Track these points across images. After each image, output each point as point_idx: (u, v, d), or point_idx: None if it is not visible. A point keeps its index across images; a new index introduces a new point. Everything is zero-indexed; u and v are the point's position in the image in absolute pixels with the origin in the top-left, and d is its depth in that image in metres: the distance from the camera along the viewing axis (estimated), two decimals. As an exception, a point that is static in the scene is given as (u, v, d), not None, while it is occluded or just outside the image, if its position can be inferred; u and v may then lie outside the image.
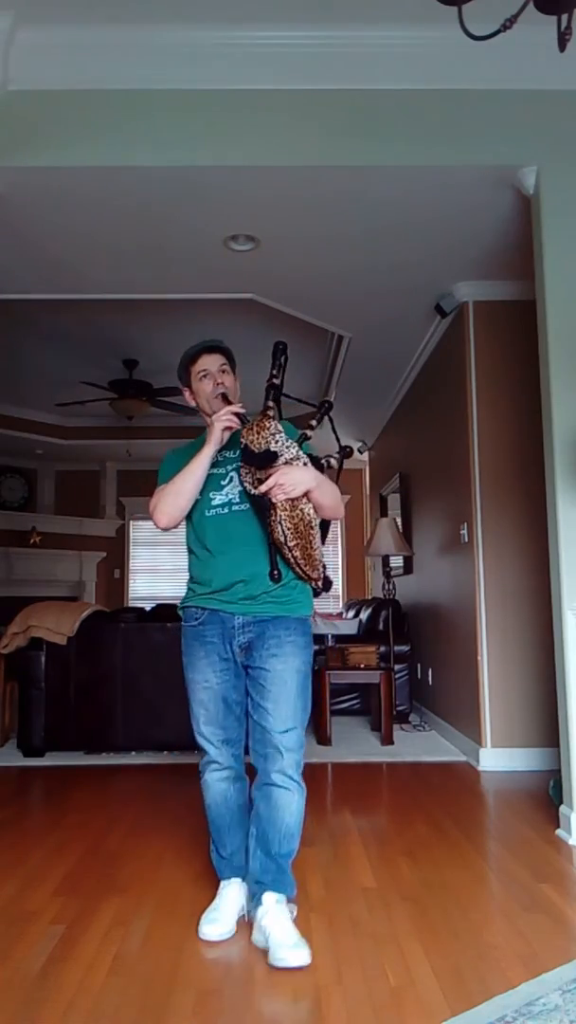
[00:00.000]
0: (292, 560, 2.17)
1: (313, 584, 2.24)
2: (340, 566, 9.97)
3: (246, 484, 2.17)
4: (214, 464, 2.27)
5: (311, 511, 2.18)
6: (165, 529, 2.28)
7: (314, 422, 2.31)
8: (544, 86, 3.26)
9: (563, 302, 3.21)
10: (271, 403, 2.23)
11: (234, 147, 3.24)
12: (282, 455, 2.12)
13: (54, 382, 7.27)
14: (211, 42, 3.15)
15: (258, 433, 2.12)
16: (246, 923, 2.21)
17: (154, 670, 4.59)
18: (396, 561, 6.66)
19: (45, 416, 8.43)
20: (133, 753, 4.58)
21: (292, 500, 2.12)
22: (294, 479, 2.09)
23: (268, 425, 2.13)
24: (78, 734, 4.61)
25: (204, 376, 2.34)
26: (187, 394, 2.43)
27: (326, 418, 2.39)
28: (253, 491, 2.15)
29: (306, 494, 2.15)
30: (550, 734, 4.09)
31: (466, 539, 4.55)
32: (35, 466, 9.66)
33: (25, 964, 2.02)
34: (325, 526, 2.28)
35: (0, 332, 5.97)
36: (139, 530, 10.03)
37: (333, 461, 2.28)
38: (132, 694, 4.61)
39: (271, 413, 2.19)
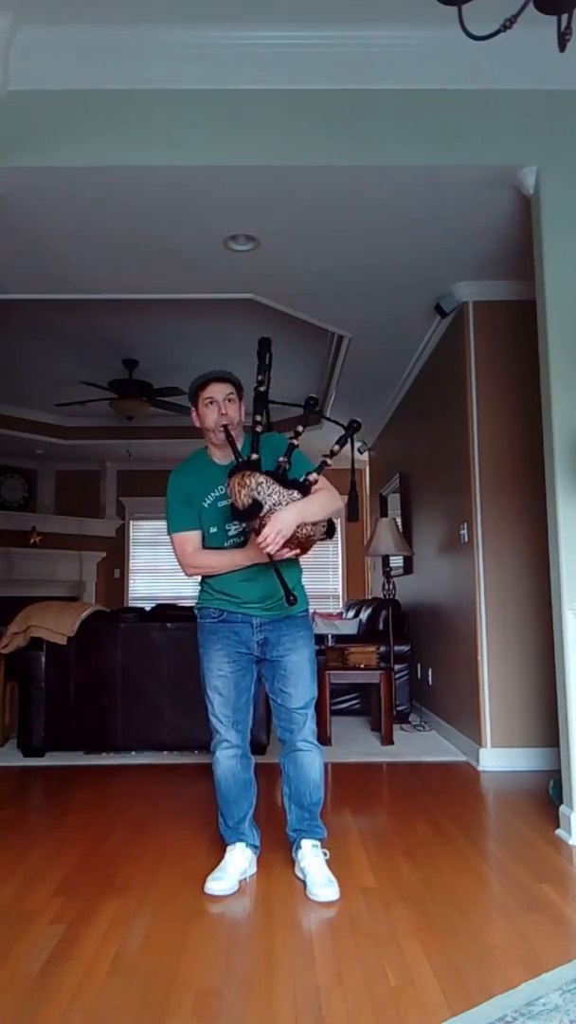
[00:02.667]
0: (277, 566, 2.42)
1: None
2: (340, 566, 9.97)
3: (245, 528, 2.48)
4: (224, 496, 2.55)
5: (309, 528, 2.43)
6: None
7: (336, 447, 2.51)
8: (544, 86, 3.26)
9: (563, 302, 3.21)
10: (259, 418, 2.47)
11: (234, 147, 3.24)
12: (265, 503, 2.32)
13: (54, 382, 7.27)
14: (211, 42, 3.15)
15: (239, 490, 2.33)
16: (249, 883, 2.55)
17: (154, 670, 4.59)
18: (396, 561, 6.66)
19: (45, 416, 8.43)
20: (133, 753, 4.58)
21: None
22: (280, 524, 2.32)
23: (248, 482, 2.33)
24: (78, 734, 4.61)
25: (210, 403, 2.59)
26: (193, 414, 2.68)
27: (312, 417, 2.63)
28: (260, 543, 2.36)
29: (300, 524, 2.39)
30: (550, 734, 4.09)
31: (466, 539, 4.55)
32: (35, 466, 9.66)
33: (25, 964, 2.02)
34: (330, 524, 2.60)
35: (0, 332, 5.97)
36: (139, 530, 10.03)
37: (329, 461, 2.49)
38: (132, 694, 4.61)
39: (254, 462, 2.40)
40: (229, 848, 2.64)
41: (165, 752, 4.56)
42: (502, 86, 3.26)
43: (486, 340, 4.52)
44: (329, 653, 5.20)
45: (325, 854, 2.60)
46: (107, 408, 7.26)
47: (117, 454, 9.14)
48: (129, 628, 4.73)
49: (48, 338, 6.19)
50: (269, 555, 2.37)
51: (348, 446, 2.57)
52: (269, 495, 2.33)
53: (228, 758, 2.63)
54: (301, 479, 2.45)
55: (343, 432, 2.54)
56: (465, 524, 4.57)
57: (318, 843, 2.62)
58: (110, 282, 4.40)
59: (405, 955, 2.05)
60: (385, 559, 6.33)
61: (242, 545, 2.57)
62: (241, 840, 2.65)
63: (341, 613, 7.64)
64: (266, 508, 2.32)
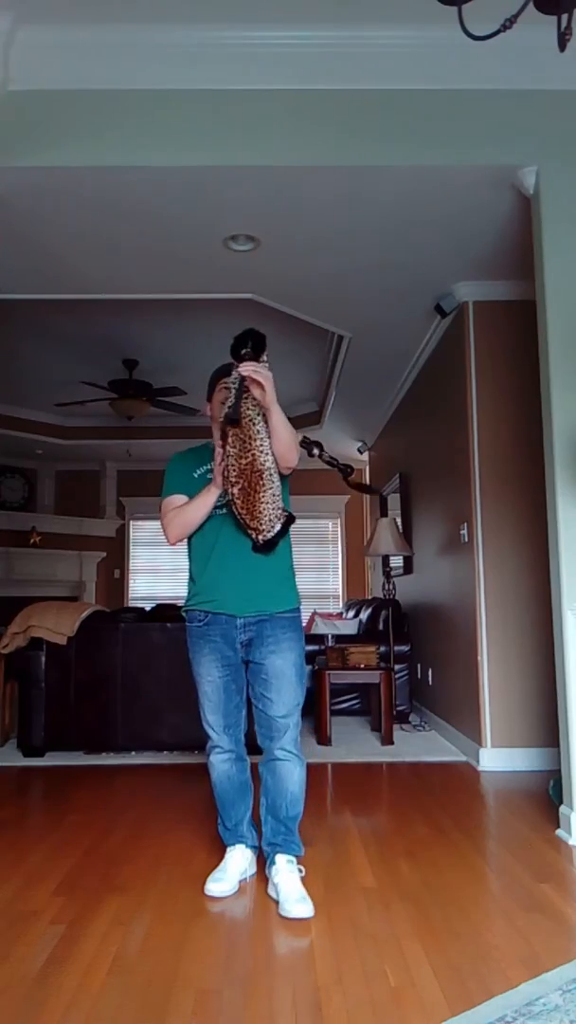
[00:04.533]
0: (233, 501, 2.38)
1: (253, 536, 2.41)
2: (340, 566, 9.97)
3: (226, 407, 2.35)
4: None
5: (266, 460, 2.36)
6: (174, 544, 2.65)
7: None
8: (544, 86, 3.26)
9: (563, 302, 3.21)
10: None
11: (234, 147, 3.24)
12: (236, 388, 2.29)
13: (54, 382, 7.27)
14: (211, 42, 3.15)
15: (225, 392, 2.35)
16: (249, 884, 2.53)
17: (154, 670, 4.60)
18: (396, 561, 6.66)
19: (45, 416, 8.43)
20: (133, 753, 4.58)
21: (244, 441, 2.34)
22: (268, 376, 2.27)
23: (226, 382, 2.35)
24: (78, 734, 4.61)
25: (223, 390, 2.51)
26: (207, 407, 2.63)
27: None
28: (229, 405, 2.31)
29: (260, 444, 2.34)
30: (550, 734, 4.09)
31: (466, 539, 4.55)
32: (35, 466, 9.66)
33: (25, 964, 2.02)
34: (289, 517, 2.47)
35: (0, 332, 5.97)
36: (139, 530, 10.03)
37: (316, 451, 2.45)
38: (132, 694, 4.61)
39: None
40: (229, 850, 2.63)
41: (165, 752, 4.56)
42: (502, 86, 3.26)
43: (486, 340, 4.52)
44: (329, 653, 5.20)
45: (300, 871, 2.47)
46: (107, 408, 7.26)
47: (117, 454, 9.14)
48: (129, 628, 4.73)
49: (48, 338, 6.19)
50: (232, 421, 2.30)
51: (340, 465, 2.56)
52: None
53: (222, 762, 2.60)
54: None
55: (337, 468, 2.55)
56: (465, 524, 4.57)
57: (294, 859, 2.49)
58: (110, 282, 4.40)
59: (405, 955, 2.05)
60: (385, 559, 6.33)
61: (224, 517, 2.49)
62: (240, 842, 2.64)
63: (341, 613, 7.64)
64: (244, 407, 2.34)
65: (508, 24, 1.94)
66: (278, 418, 2.35)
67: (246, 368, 2.27)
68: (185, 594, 2.64)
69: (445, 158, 3.27)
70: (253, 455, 2.35)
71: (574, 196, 3.25)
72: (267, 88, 3.25)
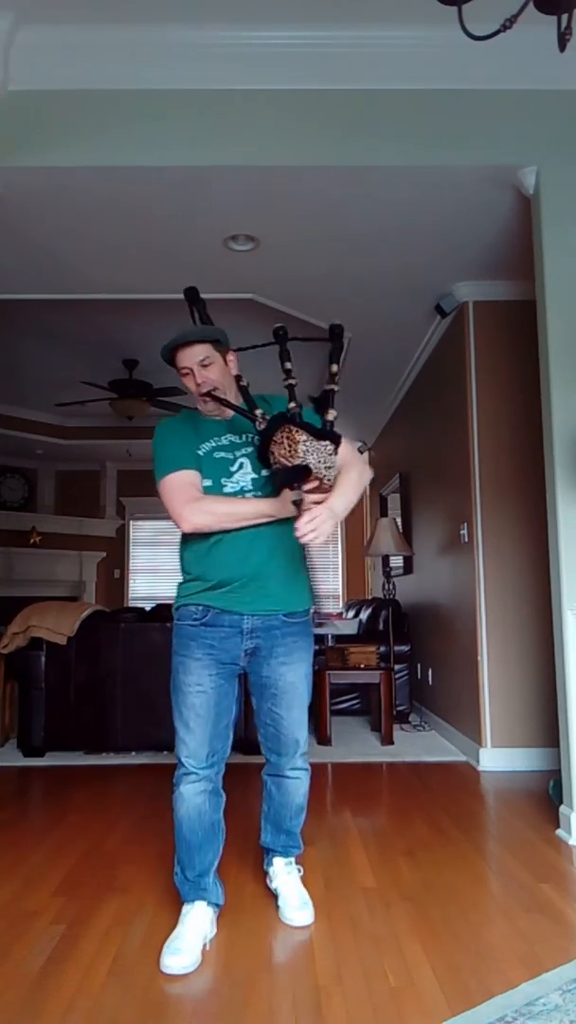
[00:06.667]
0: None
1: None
2: (340, 566, 9.97)
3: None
4: (221, 448, 2.21)
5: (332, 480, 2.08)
6: (186, 532, 2.18)
7: (334, 366, 2.19)
8: (544, 86, 3.26)
9: (563, 302, 3.21)
10: (293, 404, 2.08)
11: (234, 147, 3.24)
12: (315, 468, 1.97)
13: (54, 382, 7.26)
14: (211, 42, 3.15)
15: (291, 446, 1.97)
16: (208, 951, 2.08)
17: (154, 670, 4.59)
18: (396, 561, 6.66)
19: (45, 416, 8.42)
20: (133, 753, 4.58)
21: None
22: (327, 521, 1.98)
23: (298, 438, 1.97)
24: (78, 734, 4.61)
25: (186, 375, 2.22)
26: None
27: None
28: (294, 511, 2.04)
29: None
30: (550, 734, 4.09)
31: (466, 539, 4.55)
32: (35, 466, 9.66)
33: (25, 964, 2.02)
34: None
35: (0, 332, 5.97)
36: (139, 530, 10.03)
37: (336, 387, 2.19)
38: (132, 694, 4.61)
39: (295, 414, 2.05)
40: (186, 908, 2.14)
41: (165, 752, 4.56)
42: (502, 86, 3.26)
43: (486, 340, 4.52)
44: (329, 653, 5.20)
45: (299, 870, 2.42)
46: (107, 408, 7.26)
47: (117, 454, 9.13)
48: (129, 628, 4.73)
49: (48, 338, 6.18)
50: (297, 506, 1.99)
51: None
52: (308, 454, 1.97)
53: (195, 795, 2.13)
54: (320, 425, 2.06)
55: (330, 344, 2.20)
56: (465, 524, 4.57)
57: (292, 860, 2.43)
58: (110, 282, 4.40)
59: (405, 955, 2.05)
60: (385, 559, 6.33)
61: None
62: (202, 898, 2.15)
63: (341, 613, 7.64)
64: (319, 474, 1.98)
65: (508, 24, 1.94)
66: (353, 504, 2.14)
67: (304, 539, 1.97)
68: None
69: (445, 158, 3.27)
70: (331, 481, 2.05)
71: (574, 196, 3.25)
72: (267, 88, 3.25)
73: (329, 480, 2.03)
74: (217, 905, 2.21)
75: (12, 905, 2.42)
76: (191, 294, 2.37)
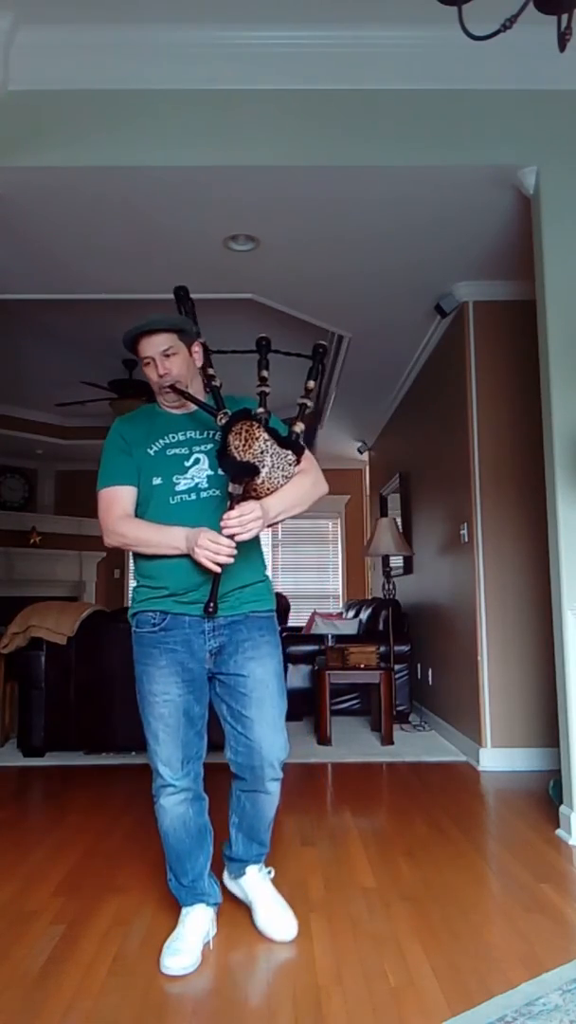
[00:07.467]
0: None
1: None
2: (340, 566, 9.97)
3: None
4: (176, 444, 2.14)
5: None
6: (109, 547, 2.19)
7: (310, 383, 2.15)
8: (544, 86, 3.26)
9: (563, 302, 3.21)
10: (211, 370, 2.13)
11: (234, 147, 3.24)
12: (262, 468, 1.98)
13: (54, 382, 7.27)
14: (211, 42, 3.15)
15: (249, 441, 1.97)
16: (208, 951, 2.09)
17: (154, 670, 4.58)
18: (396, 561, 6.66)
19: (45, 416, 8.43)
20: (133, 753, 4.57)
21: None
22: (258, 517, 1.96)
23: (257, 435, 1.97)
24: (78, 734, 4.61)
25: (147, 364, 2.14)
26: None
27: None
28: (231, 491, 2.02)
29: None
30: (550, 734, 4.09)
31: (466, 539, 4.55)
32: (35, 466, 9.66)
33: (25, 964, 2.02)
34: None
35: (0, 332, 5.97)
36: (139, 530, 10.02)
37: (309, 403, 2.13)
38: (132, 694, 4.56)
39: (259, 416, 2.04)
40: (185, 911, 2.14)
41: (165, 752, 4.56)
42: (502, 86, 3.26)
43: (486, 340, 4.52)
44: (329, 653, 5.20)
45: (270, 872, 2.30)
46: (107, 408, 7.26)
47: (117, 454, 9.12)
48: (129, 628, 4.72)
49: (48, 338, 6.19)
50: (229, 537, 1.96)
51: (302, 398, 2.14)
52: (265, 455, 1.99)
53: (176, 804, 2.09)
54: (286, 433, 2.07)
55: (310, 362, 2.16)
56: (465, 524, 4.57)
57: (262, 864, 2.30)
58: (110, 282, 4.40)
59: (405, 955, 2.05)
60: (385, 559, 6.33)
61: (193, 504, 2.09)
62: (200, 900, 2.14)
63: (341, 613, 7.64)
64: (261, 476, 1.98)
65: (508, 24, 1.94)
66: (295, 511, 2.09)
67: (229, 529, 1.95)
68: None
69: (445, 158, 3.27)
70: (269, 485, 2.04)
71: (574, 196, 3.25)
72: (267, 88, 3.25)
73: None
74: (216, 904, 2.20)
75: (12, 905, 2.42)
76: (180, 293, 2.36)
